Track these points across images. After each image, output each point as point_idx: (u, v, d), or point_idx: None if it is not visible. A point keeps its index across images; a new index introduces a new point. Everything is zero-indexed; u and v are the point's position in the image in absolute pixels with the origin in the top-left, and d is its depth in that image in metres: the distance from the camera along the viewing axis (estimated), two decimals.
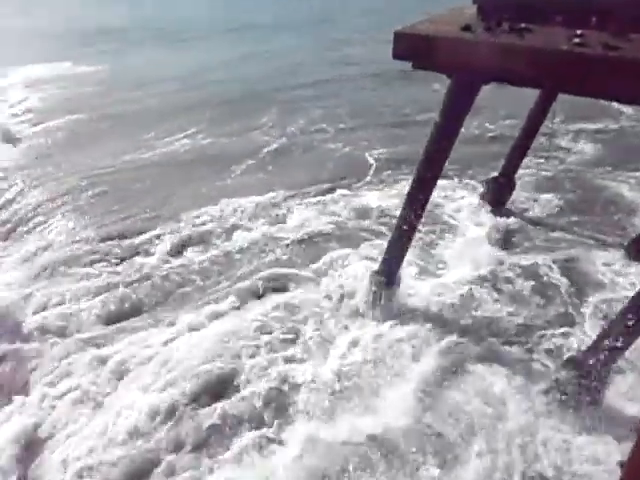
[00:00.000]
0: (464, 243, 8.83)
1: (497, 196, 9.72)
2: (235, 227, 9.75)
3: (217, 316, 7.54)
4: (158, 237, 9.49)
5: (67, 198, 11.13)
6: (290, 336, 7.04)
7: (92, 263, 8.84)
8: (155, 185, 11.65)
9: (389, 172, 11.75)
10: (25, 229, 10.21)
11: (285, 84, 19.31)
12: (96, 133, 15.32)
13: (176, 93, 18.93)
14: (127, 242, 9.35)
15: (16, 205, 11.11)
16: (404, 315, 7.07)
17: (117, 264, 8.81)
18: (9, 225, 10.43)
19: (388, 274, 6.90)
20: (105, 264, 8.81)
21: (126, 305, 7.86)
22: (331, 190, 11.02)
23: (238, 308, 7.68)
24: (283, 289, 8.01)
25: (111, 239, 9.46)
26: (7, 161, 13.41)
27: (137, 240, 9.42)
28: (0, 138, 14.97)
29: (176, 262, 8.80)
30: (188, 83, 20.11)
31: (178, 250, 9.12)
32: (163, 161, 13.08)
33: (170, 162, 13.01)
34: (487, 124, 13.87)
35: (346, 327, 7.08)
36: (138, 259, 8.91)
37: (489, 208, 9.67)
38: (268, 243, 9.19)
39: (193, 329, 7.31)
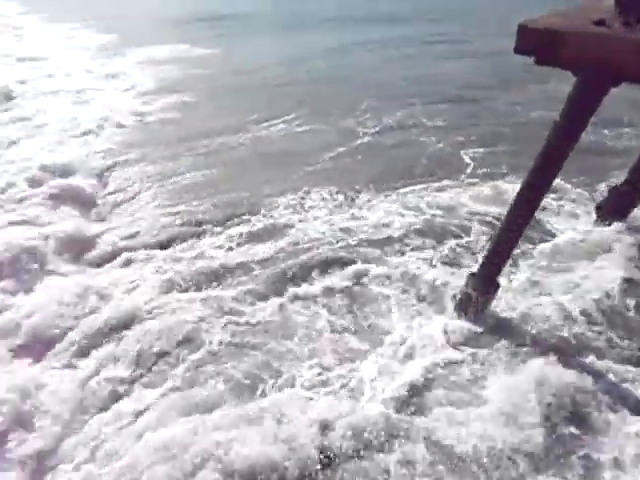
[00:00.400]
0: (565, 255, 8.15)
1: (616, 207, 8.64)
2: (312, 218, 9.61)
3: (271, 310, 7.25)
4: (232, 224, 9.51)
5: (160, 181, 11.64)
6: (358, 342, 6.64)
7: (160, 247, 9.03)
8: (243, 170, 11.99)
9: (486, 172, 11.15)
10: (114, 210, 10.73)
11: (388, 75, 19.08)
12: (201, 114, 16.22)
13: (280, 78, 19.46)
14: (199, 229, 9.45)
15: (111, 186, 11.76)
16: (495, 325, 6.70)
17: (182, 250, 8.88)
18: (99, 207, 10.99)
19: (486, 279, 6.54)
20: (172, 249, 8.94)
21: (175, 289, 7.85)
22: (419, 186, 10.67)
23: (298, 300, 7.41)
24: (356, 284, 7.70)
25: (186, 225, 9.61)
26: (111, 139, 14.45)
27: (209, 227, 9.48)
28: (109, 116, 16.14)
29: (240, 250, 8.71)
30: (293, 69, 20.62)
31: (248, 238, 9.04)
32: (257, 146, 13.49)
33: (263, 147, 13.37)
34: (605, 131, 12.61)
35: (426, 331, 6.73)
36: (205, 247, 8.88)
37: (603, 220, 8.76)
38: (344, 235, 8.95)
39: (238, 321, 7.05)
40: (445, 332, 6.60)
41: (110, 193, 11.46)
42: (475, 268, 7.08)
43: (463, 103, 15.67)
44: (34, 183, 11.33)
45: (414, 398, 5.80)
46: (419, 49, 22.88)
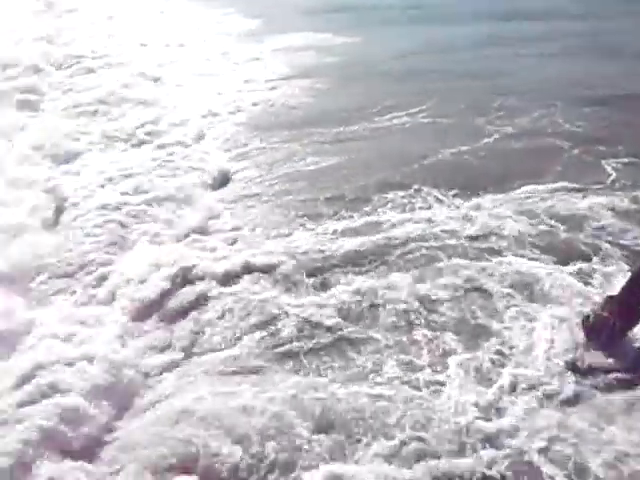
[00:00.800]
0: None
1: None
2: (417, 217, 9.11)
3: (356, 295, 7.04)
4: (331, 220, 9.28)
5: (273, 168, 11.67)
6: (456, 343, 6.29)
7: (252, 232, 9.01)
8: (358, 161, 11.84)
9: (630, 184, 9.99)
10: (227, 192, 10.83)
11: (528, 73, 17.79)
12: (328, 101, 16.41)
13: (413, 69, 19.06)
14: (296, 221, 9.29)
15: (230, 169, 11.82)
16: (612, 353, 6.00)
17: (272, 237, 8.83)
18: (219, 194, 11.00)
19: (628, 304, 5.87)
20: (263, 236, 8.89)
21: (252, 272, 7.87)
22: (543, 190, 9.87)
23: (390, 290, 7.18)
24: (461, 283, 7.28)
25: (285, 216, 9.51)
26: (236, 123, 14.86)
27: (306, 221, 9.28)
28: (237, 101, 16.60)
29: (330, 243, 8.50)
30: (427, 61, 20.07)
31: (342, 234, 8.79)
32: (377, 137, 13.34)
33: (382, 138, 13.21)
34: None
35: (537, 343, 6.24)
36: (295, 239, 8.73)
37: None
38: (444, 239, 8.39)
39: (314, 306, 6.92)
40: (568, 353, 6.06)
41: (228, 175, 11.67)
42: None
43: (613, 108, 14.08)
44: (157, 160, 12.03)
45: (500, 411, 5.35)
46: (566, 46, 20.85)
